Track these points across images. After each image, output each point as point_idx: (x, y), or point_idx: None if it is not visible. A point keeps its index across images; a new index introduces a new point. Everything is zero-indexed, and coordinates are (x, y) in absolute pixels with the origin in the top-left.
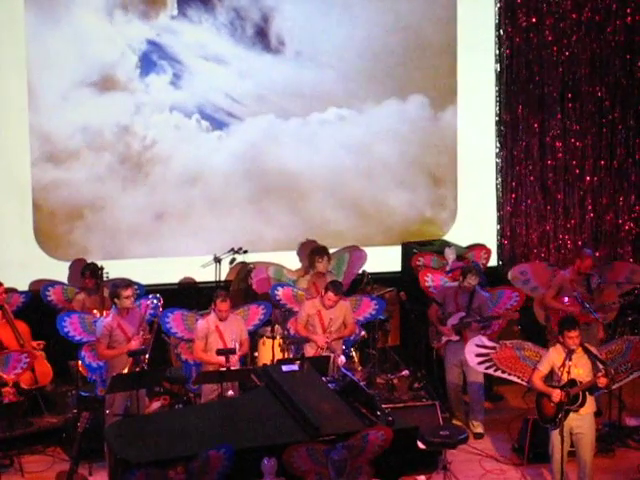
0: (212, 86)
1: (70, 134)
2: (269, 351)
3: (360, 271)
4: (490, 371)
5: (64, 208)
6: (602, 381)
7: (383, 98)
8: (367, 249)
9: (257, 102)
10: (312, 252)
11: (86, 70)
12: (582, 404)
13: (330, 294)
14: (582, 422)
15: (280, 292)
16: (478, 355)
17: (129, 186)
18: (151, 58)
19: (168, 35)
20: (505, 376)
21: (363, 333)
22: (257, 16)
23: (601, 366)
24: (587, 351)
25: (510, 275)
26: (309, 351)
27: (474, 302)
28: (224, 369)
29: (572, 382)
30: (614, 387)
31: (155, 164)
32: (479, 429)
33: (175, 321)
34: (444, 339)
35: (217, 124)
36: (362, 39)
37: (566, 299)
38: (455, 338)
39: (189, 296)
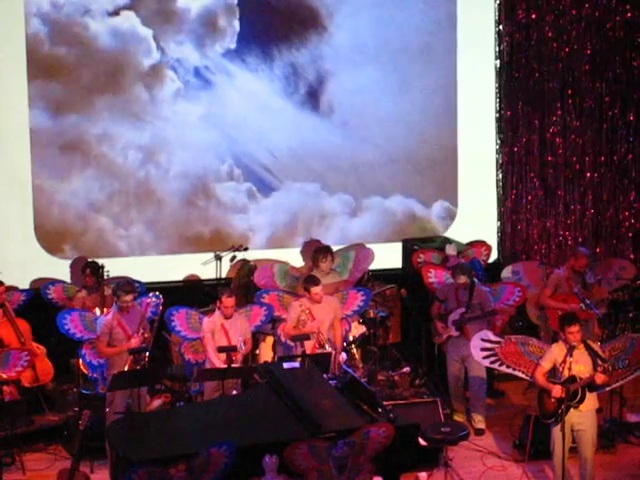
0: (253, 136)
1: (78, 140)
2: (270, 348)
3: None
4: (495, 365)
5: (65, 206)
6: (600, 378)
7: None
8: (368, 245)
9: (294, 163)
10: (316, 251)
11: (115, 82)
12: (581, 400)
13: (314, 289)
14: (583, 419)
15: (266, 298)
16: (483, 349)
17: (131, 190)
18: (195, 89)
19: (219, 72)
20: (510, 371)
21: (364, 330)
22: (313, 76)
23: (599, 362)
24: (588, 347)
25: (503, 275)
26: (305, 348)
27: (474, 298)
28: (225, 367)
29: (572, 378)
30: (615, 385)
31: (167, 189)
32: (480, 425)
33: (180, 319)
34: (445, 335)
35: (251, 176)
36: (410, 121)
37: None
38: (455, 334)
39: (190, 293)
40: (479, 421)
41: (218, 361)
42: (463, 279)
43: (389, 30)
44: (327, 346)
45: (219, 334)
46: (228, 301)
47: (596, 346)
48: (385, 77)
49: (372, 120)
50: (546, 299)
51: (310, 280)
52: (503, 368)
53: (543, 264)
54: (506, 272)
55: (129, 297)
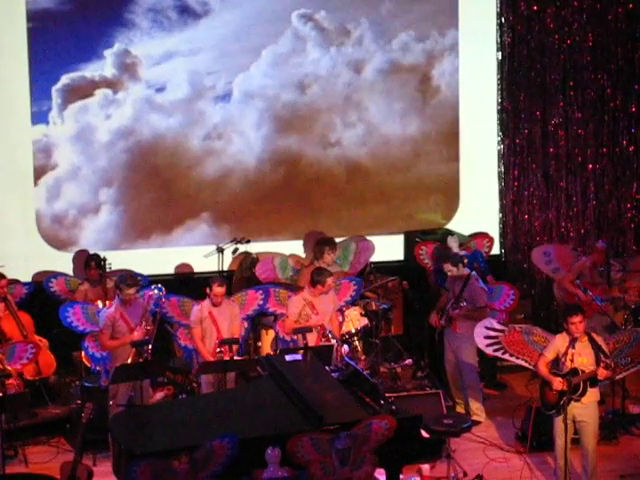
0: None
1: (82, 133)
2: (273, 341)
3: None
4: (498, 354)
5: (67, 199)
6: (602, 373)
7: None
8: (370, 238)
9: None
10: (321, 243)
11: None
12: (583, 394)
13: (329, 279)
14: (585, 410)
15: None
16: (487, 337)
17: (132, 178)
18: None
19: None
20: (513, 359)
21: (366, 322)
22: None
23: (603, 357)
24: (592, 341)
25: (533, 255)
26: (308, 341)
27: (465, 291)
28: (227, 359)
29: (574, 371)
30: (617, 378)
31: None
32: (476, 417)
33: (171, 306)
34: (439, 324)
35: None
36: (411, 114)
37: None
38: (442, 323)
39: (191, 286)
40: (474, 413)
41: (207, 353)
42: (448, 267)
43: (390, 26)
44: (334, 340)
45: (207, 322)
46: (219, 290)
47: (600, 339)
48: (385, 72)
49: (373, 117)
50: (567, 283)
51: (324, 272)
52: (506, 356)
53: (576, 250)
54: (536, 252)
55: (132, 290)
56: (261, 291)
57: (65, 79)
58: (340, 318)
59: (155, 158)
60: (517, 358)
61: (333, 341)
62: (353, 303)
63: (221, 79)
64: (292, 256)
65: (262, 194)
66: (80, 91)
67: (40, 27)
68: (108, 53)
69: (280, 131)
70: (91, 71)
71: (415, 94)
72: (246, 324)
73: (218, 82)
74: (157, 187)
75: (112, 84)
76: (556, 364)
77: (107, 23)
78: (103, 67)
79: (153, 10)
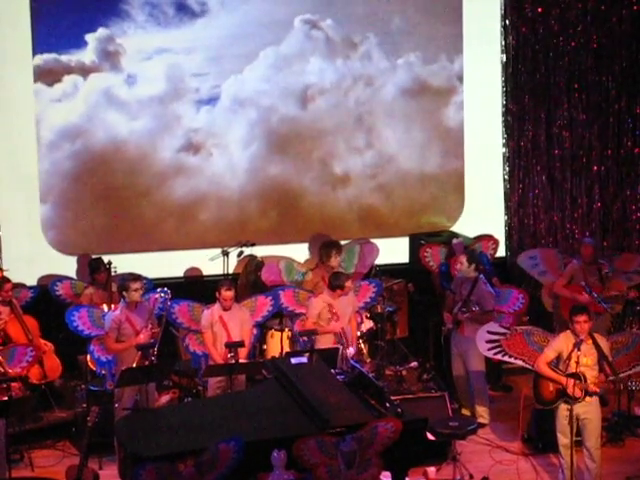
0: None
1: (86, 136)
2: (278, 344)
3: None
4: (498, 356)
5: (71, 202)
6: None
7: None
8: (375, 241)
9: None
10: (327, 246)
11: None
12: (580, 401)
13: (348, 282)
14: (588, 408)
15: (282, 295)
16: (488, 342)
17: (136, 179)
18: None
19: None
20: (512, 360)
21: (371, 325)
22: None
23: (612, 375)
24: (597, 347)
25: (519, 260)
26: (323, 344)
27: (474, 294)
28: (233, 362)
29: (577, 376)
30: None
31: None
32: (482, 419)
33: (181, 312)
34: (446, 327)
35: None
36: (416, 117)
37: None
38: (449, 326)
39: (196, 289)
40: (480, 416)
41: (219, 356)
42: (462, 260)
43: (393, 26)
44: (350, 347)
45: (218, 326)
46: (227, 294)
47: (604, 342)
48: (391, 72)
49: (379, 118)
50: (560, 288)
51: (341, 276)
52: (505, 358)
53: (561, 253)
54: (523, 257)
55: (138, 284)
56: (270, 297)
57: (37, 60)
58: (359, 319)
59: (111, 169)
60: (516, 359)
61: (341, 346)
62: (368, 309)
63: (208, 81)
64: (297, 262)
65: (241, 234)
66: (50, 75)
67: (39, 9)
68: (91, 38)
69: (273, 152)
70: (68, 55)
71: (419, 97)
72: (255, 330)
73: (204, 84)
74: (106, 209)
75: (86, 72)
76: (556, 362)
77: (101, 11)
78: (84, 53)
79: (150, 4)
